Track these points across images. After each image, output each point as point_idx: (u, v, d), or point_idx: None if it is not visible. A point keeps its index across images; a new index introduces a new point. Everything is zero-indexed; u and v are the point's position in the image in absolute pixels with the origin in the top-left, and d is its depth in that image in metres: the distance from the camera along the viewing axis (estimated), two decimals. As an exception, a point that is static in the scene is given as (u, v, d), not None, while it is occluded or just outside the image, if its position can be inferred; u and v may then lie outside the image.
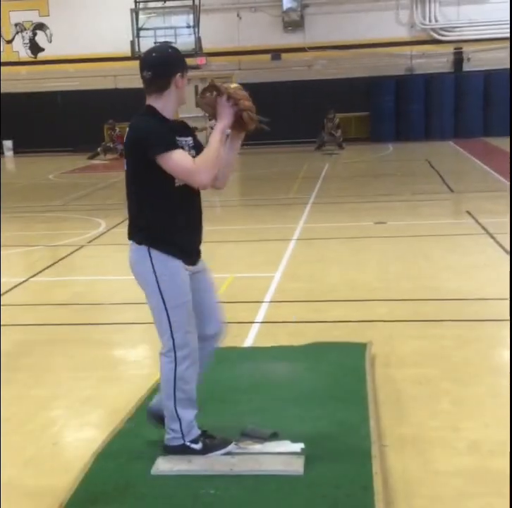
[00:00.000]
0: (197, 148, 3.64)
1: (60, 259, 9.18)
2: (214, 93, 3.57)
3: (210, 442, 3.72)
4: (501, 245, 8.51)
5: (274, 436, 3.83)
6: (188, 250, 3.64)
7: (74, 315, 6.99)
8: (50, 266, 8.86)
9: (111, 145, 23.88)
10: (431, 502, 3.46)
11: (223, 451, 3.70)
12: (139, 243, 3.57)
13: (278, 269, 8.10)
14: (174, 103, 3.59)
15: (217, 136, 3.53)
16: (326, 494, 3.27)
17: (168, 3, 23.69)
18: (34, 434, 4.41)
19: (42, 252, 9.77)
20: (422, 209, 11.58)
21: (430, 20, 24.46)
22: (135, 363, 5.66)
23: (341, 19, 24.63)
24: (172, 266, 3.56)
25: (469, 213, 10.63)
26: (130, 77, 25.61)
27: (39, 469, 3.97)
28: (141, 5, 24.09)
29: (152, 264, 3.54)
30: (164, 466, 3.54)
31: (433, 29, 24.51)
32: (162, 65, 3.53)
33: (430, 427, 4.21)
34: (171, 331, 3.57)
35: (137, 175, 3.56)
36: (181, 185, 3.52)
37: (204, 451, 3.68)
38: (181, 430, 3.64)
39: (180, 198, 3.55)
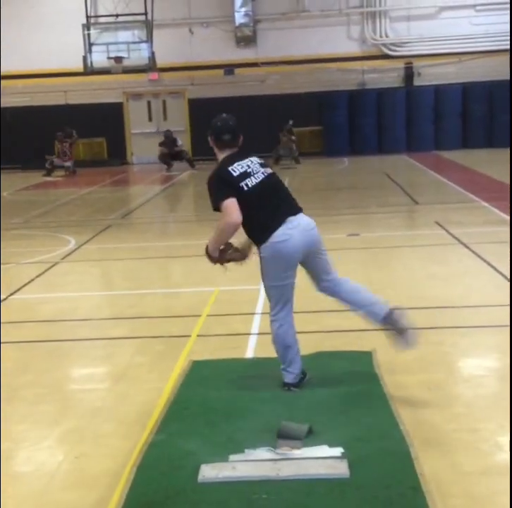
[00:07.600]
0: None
1: (36, 277, 9.05)
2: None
3: None
4: (477, 254, 8.71)
5: (310, 432, 3.97)
6: None
7: (63, 331, 6.93)
8: (28, 283, 8.72)
9: (63, 160, 23.33)
10: (467, 501, 3.55)
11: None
12: None
13: (260, 282, 8.10)
14: None
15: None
16: (378, 495, 3.33)
17: (120, 18, 23.64)
18: (52, 449, 4.38)
19: (15, 270, 9.61)
20: (391, 220, 11.75)
21: (381, 36, 24.90)
22: (136, 377, 5.60)
23: (293, 34, 24.93)
24: None
25: (438, 224, 10.85)
26: (81, 92, 25.64)
27: (65, 483, 3.94)
28: (93, 20, 24.00)
29: None
30: (209, 473, 3.56)
31: (384, 45, 24.96)
32: None
33: (449, 430, 4.31)
34: None
35: None
36: None
37: None
38: None
39: None
